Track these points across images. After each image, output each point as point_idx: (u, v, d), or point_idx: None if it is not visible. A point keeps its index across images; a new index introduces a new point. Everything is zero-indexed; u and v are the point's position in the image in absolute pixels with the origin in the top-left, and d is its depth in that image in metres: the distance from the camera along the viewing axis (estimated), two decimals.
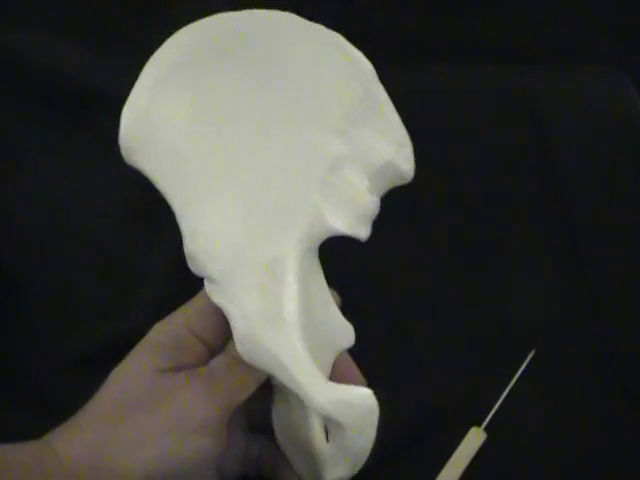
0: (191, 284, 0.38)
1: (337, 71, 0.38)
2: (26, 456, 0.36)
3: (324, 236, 0.37)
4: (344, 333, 0.39)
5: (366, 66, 0.39)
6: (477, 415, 0.46)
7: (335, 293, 0.40)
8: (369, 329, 0.40)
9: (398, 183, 0.39)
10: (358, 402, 0.36)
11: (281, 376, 0.36)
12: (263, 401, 0.40)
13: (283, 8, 0.40)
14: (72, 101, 0.51)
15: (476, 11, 0.54)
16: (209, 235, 0.37)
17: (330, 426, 0.37)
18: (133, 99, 0.38)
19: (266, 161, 0.38)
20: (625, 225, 0.50)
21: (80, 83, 0.51)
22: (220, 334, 0.39)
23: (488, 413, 0.46)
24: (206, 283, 0.37)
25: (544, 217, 0.51)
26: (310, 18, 0.39)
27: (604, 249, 0.50)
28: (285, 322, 0.36)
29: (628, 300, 0.49)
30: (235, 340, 0.36)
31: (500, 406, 0.46)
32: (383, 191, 0.39)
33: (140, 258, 0.50)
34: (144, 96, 0.38)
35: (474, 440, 0.45)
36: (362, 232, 0.38)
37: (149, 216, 0.49)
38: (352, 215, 0.38)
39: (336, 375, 0.38)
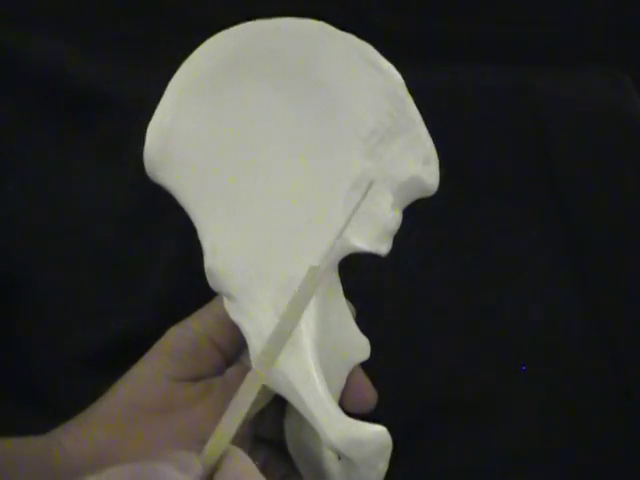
0: (192, 284, 0.38)
1: (366, 84, 0.38)
2: (32, 450, 0.36)
3: (345, 253, 0.37)
4: (359, 347, 0.39)
5: (396, 79, 0.38)
6: (477, 412, 0.47)
7: (351, 305, 0.40)
8: (370, 328, 0.40)
9: (421, 196, 0.39)
10: (371, 440, 0.35)
11: (295, 403, 0.35)
12: (269, 410, 0.40)
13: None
14: (72, 101, 0.51)
15: (476, 11, 0.54)
16: (229, 252, 0.37)
17: (342, 458, 0.37)
18: (158, 114, 0.38)
19: (290, 177, 0.37)
20: (625, 225, 0.50)
21: (81, 83, 0.51)
22: (237, 343, 0.39)
23: (488, 411, 0.46)
24: (224, 299, 0.37)
25: (544, 217, 0.51)
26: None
27: (604, 249, 0.50)
28: (301, 347, 0.35)
29: (628, 300, 0.49)
30: (251, 359, 0.36)
31: (500, 403, 0.47)
32: (405, 204, 0.39)
33: (141, 258, 0.50)
34: (169, 111, 0.38)
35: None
36: (383, 249, 0.38)
37: (150, 216, 0.49)
38: (374, 233, 0.37)
39: (348, 388, 0.39)
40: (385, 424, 0.39)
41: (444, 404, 0.48)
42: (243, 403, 0.33)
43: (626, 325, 0.48)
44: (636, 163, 0.51)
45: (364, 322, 0.40)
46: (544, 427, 0.47)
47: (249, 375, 0.34)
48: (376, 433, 0.35)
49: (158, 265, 0.49)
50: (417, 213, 0.48)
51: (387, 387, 0.40)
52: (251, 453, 0.42)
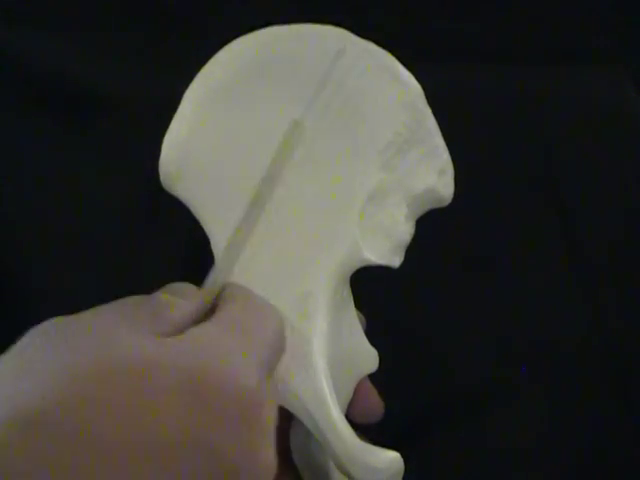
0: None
1: (385, 94, 0.37)
2: None
3: (358, 266, 0.37)
4: (368, 359, 0.38)
5: (415, 88, 0.38)
6: (477, 412, 0.47)
7: (361, 316, 0.39)
8: (369, 329, 0.40)
9: (434, 207, 0.39)
10: (387, 468, 0.35)
11: (307, 424, 0.35)
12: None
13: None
14: (73, 102, 0.51)
15: (476, 11, 0.54)
16: (243, 266, 0.36)
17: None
18: (175, 126, 0.38)
19: (305, 191, 0.37)
20: (625, 225, 0.50)
21: (81, 84, 0.51)
22: None
23: (488, 411, 0.46)
24: None
25: (544, 217, 0.51)
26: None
27: (604, 249, 0.50)
28: (314, 365, 0.35)
29: (628, 300, 0.49)
30: None
31: (500, 403, 0.47)
32: (418, 215, 0.38)
33: (142, 258, 0.50)
34: (186, 123, 0.38)
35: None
36: (396, 261, 0.38)
37: (151, 216, 0.49)
38: (388, 245, 0.37)
39: (356, 400, 0.38)
40: (384, 424, 0.39)
41: (444, 404, 0.48)
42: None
43: (626, 325, 0.48)
44: (636, 163, 0.51)
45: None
46: (544, 427, 0.47)
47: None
48: (391, 461, 0.35)
49: (159, 265, 0.49)
50: None
51: (386, 387, 0.40)
52: None
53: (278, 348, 0.31)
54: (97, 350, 0.27)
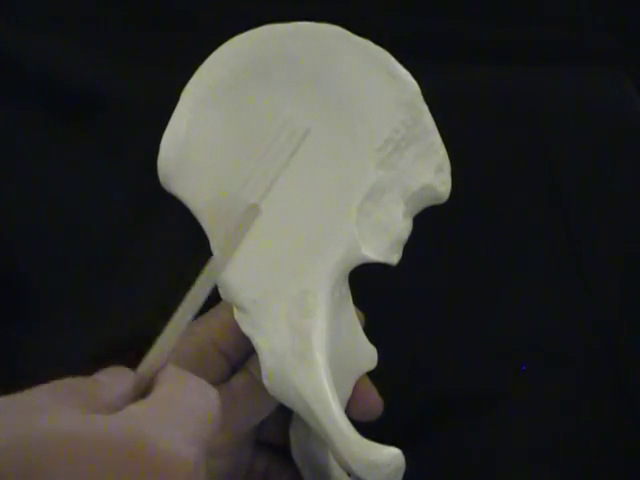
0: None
1: (382, 92, 0.37)
2: None
3: (357, 264, 0.37)
4: (367, 356, 0.39)
5: (412, 87, 0.38)
6: (477, 412, 0.47)
7: (360, 313, 0.39)
8: (368, 328, 0.40)
9: (432, 204, 0.39)
10: (388, 464, 0.35)
11: (308, 420, 0.35)
12: (272, 415, 0.40)
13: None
14: (72, 101, 0.51)
15: (476, 11, 0.54)
16: (242, 264, 0.36)
17: (353, 476, 0.36)
18: (174, 124, 0.38)
19: (303, 189, 0.37)
20: (625, 225, 0.50)
21: (80, 83, 0.51)
22: (242, 350, 0.39)
23: (488, 411, 0.46)
24: (235, 311, 0.37)
25: (544, 217, 0.51)
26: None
27: (604, 249, 0.50)
28: (314, 362, 0.35)
29: (628, 300, 0.49)
30: (262, 374, 0.36)
31: (500, 403, 0.47)
32: (416, 212, 0.39)
33: (141, 258, 0.50)
34: (184, 121, 0.38)
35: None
36: (394, 258, 0.38)
37: (149, 216, 0.49)
38: (386, 243, 0.37)
39: (355, 398, 0.39)
40: (384, 423, 0.39)
41: (443, 403, 0.48)
42: (185, 313, 0.33)
43: (626, 325, 0.48)
44: (636, 163, 0.51)
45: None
46: (544, 427, 0.47)
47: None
48: (392, 456, 0.35)
49: (159, 265, 0.49)
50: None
51: (385, 385, 0.40)
52: (253, 458, 0.42)
53: (213, 425, 0.30)
54: (20, 425, 0.26)
